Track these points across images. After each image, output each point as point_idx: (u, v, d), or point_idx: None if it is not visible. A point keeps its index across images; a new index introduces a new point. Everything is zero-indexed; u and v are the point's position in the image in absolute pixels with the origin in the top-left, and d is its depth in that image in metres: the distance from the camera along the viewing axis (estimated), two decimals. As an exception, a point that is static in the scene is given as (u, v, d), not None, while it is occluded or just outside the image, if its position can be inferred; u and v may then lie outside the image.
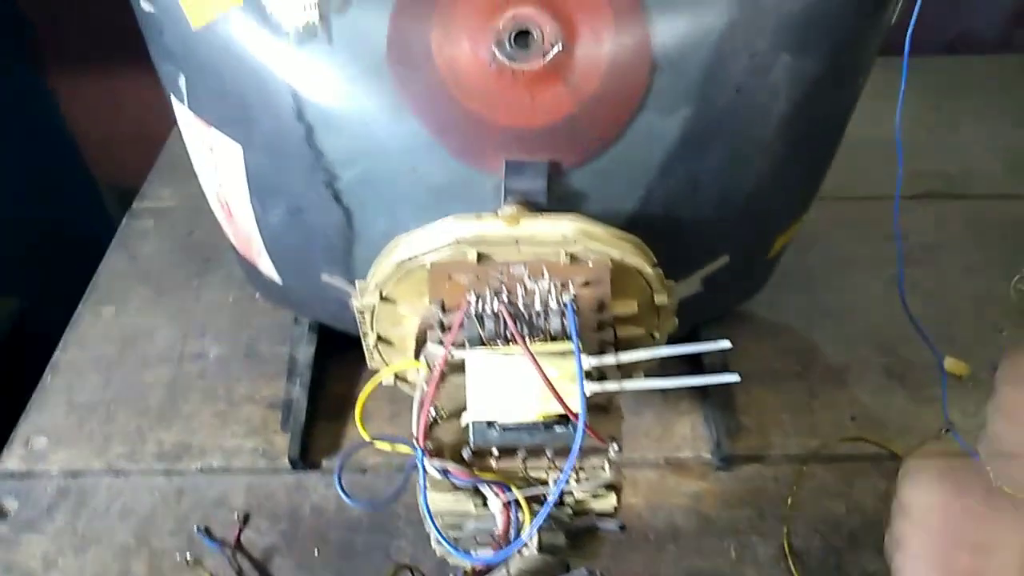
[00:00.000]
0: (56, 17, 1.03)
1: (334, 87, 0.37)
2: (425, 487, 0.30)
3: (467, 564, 0.30)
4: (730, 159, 0.39)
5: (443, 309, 0.33)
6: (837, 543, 0.53)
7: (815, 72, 0.39)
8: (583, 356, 0.30)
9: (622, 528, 0.33)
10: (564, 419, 0.31)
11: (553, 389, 0.29)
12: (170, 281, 0.70)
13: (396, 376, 0.43)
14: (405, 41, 0.35)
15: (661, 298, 0.39)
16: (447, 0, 0.35)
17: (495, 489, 0.31)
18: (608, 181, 0.38)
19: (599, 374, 0.32)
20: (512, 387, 0.30)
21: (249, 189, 0.42)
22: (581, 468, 0.32)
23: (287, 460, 0.56)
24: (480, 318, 0.31)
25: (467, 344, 0.32)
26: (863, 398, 0.61)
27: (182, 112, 0.42)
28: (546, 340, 0.32)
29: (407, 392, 0.44)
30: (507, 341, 0.31)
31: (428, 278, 0.35)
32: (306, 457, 0.56)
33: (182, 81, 0.40)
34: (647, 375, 0.33)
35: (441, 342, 0.33)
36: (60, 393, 0.61)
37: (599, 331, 0.34)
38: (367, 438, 0.32)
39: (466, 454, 0.31)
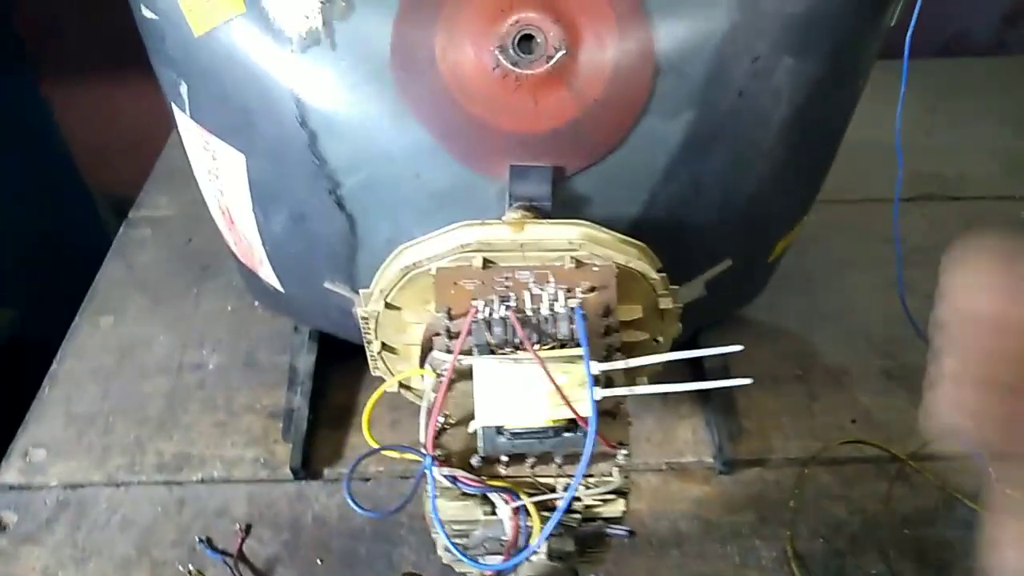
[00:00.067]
0: (50, 26, 1.03)
1: (337, 94, 0.36)
2: (434, 495, 0.30)
3: (477, 572, 0.29)
4: (733, 162, 0.39)
5: (449, 316, 0.33)
6: (840, 546, 0.53)
7: (816, 74, 0.39)
8: (591, 361, 0.30)
9: (631, 534, 0.33)
10: (573, 425, 0.31)
11: (563, 394, 0.29)
12: (168, 290, 0.70)
13: (400, 384, 0.43)
14: (408, 47, 0.35)
15: (666, 302, 0.39)
16: (450, 5, 0.35)
17: (504, 496, 0.31)
18: (612, 185, 0.38)
19: (606, 379, 0.32)
20: (520, 393, 0.30)
21: (251, 197, 0.42)
22: (590, 474, 0.32)
23: (288, 469, 0.55)
24: (488, 324, 0.31)
25: (475, 350, 0.31)
26: (863, 400, 0.62)
27: (183, 120, 0.42)
28: (554, 346, 0.32)
29: (411, 400, 0.44)
30: (515, 347, 0.31)
31: (434, 284, 0.35)
32: (308, 466, 0.56)
33: (184, 89, 0.40)
34: (651, 381, 0.33)
35: (448, 349, 0.32)
36: (58, 404, 0.61)
37: (606, 336, 0.34)
38: (375, 445, 0.32)
39: (475, 461, 0.31)
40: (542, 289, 0.34)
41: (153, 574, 0.51)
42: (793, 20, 0.37)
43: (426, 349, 0.37)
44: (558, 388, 0.29)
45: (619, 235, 0.36)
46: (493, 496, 0.31)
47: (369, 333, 0.40)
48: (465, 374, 0.32)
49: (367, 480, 0.56)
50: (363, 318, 0.39)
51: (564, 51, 0.35)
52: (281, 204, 0.41)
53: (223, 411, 0.60)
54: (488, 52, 0.35)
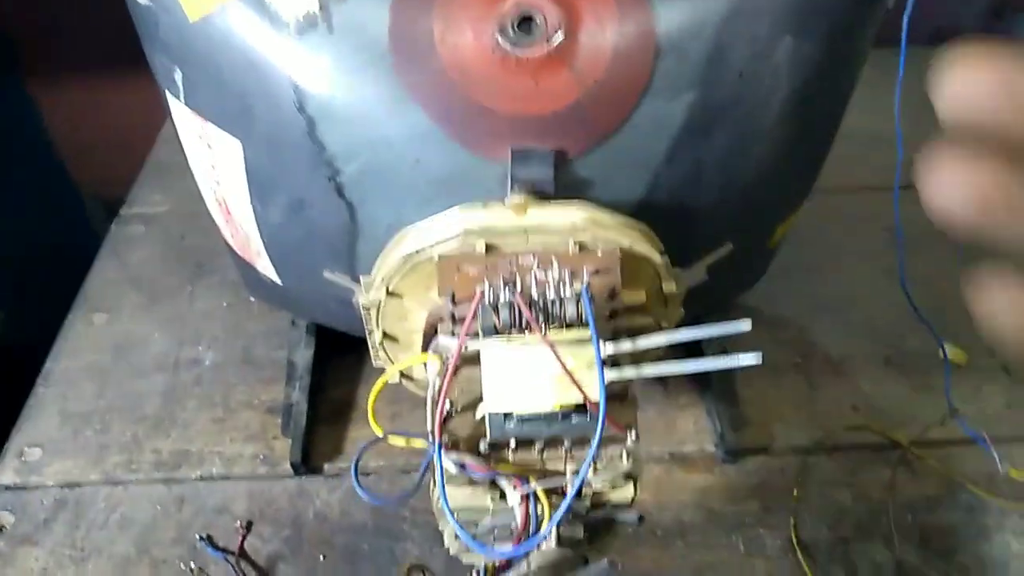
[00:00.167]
0: (35, 24, 1.02)
1: (336, 78, 0.36)
2: (443, 482, 0.30)
3: (488, 559, 0.29)
4: (735, 144, 0.39)
5: (454, 301, 0.33)
6: (844, 533, 0.53)
7: (816, 56, 0.39)
8: (601, 343, 0.29)
9: (641, 519, 0.32)
10: (581, 408, 0.30)
11: (572, 377, 0.28)
12: (162, 287, 0.69)
13: (402, 375, 0.43)
14: (407, 30, 0.35)
15: (669, 286, 0.38)
16: (449, -12, 0.34)
17: (513, 482, 0.30)
18: (614, 168, 0.37)
19: (613, 362, 0.31)
20: (528, 377, 0.30)
21: (249, 186, 0.41)
22: (599, 458, 0.31)
23: (288, 465, 0.55)
24: (495, 307, 0.31)
25: (481, 334, 0.31)
26: (864, 388, 0.61)
27: (178, 108, 0.41)
28: (560, 328, 0.31)
29: (412, 390, 0.44)
30: (522, 330, 0.31)
31: (436, 270, 0.34)
32: (308, 462, 0.55)
33: (178, 76, 0.39)
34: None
35: (453, 334, 0.32)
36: (53, 403, 0.60)
37: (612, 319, 0.33)
38: (379, 433, 0.32)
39: (483, 447, 0.31)
40: (546, 274, 0.33)
41: (154, 573, 0.50)
42: (792, 0, 0.37)
43: (429, 337, 0.36)
44: (567, 371, 0.29)
45: (623, 218, 0.36)
46: (502, 482, 0.31)
47: (370, 322, 0.39)
48: (470, 360, 0.32)
49: (368, 475, 0.55)
50: (364, 307, 0.38)
51: (564, 33, 0.34)
52: (279, 192, 0.41)
53: (221, 408, 0.59)
54: (487, 35, 0.35)
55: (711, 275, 0.45)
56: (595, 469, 0.31)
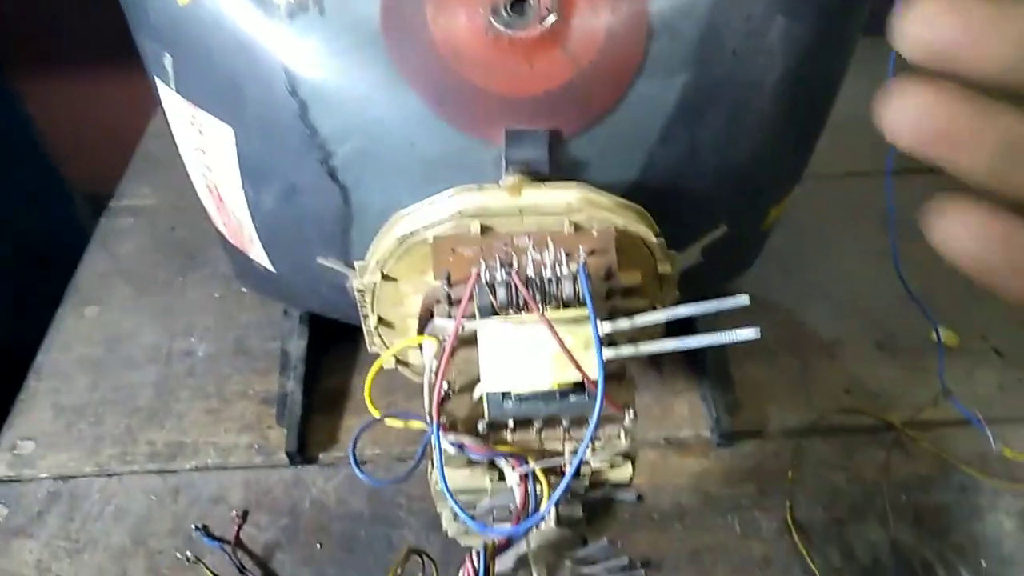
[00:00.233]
0: (18, 17, 1.01)
1: (327, 61, 0.36)
2: (442, 462, 0.29)
3: (488, 538, 0.29)
4: (728, 124, 0.39)
5: (449, 282, 0.33)
6: (839, 514, 0.53)
7: (808, 36, 0.39)
8: (598, 322, 0.29)
9: (639, 498, 0.32)
10: (579, 388, 0.30)
11: (570, 355, 0.28)
12: (153, 279, 0.68)
13: (397, 361, 0.43)
14: (398, 11, 0.35)
15: (665, 267, 0.38)
16: (441, -32, 0.34)
17: (512, 462, 0.30)
18: (609, 149, 0.37)
19: (610, 341, 0.31)
20: (526, 356, 0.30)
21: (241, 172, 0.41)
22: (597, 437, 0.31)
23: (284, 455, 0.55)
24: (491, 286, 0.31)
25: (478, 314, 0.31)
26: (856, 371, 0.62)
27: (168, 95, 0.41)
28: (557, 307, 0.31)
29: (407, 376, 0.44)
30: (519, 310, 0.31)
31: (431, 252, 0.34)
32: (303, 451, 0.55)
33: (168, 62, 0.39)
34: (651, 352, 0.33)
35: (450, 315, 0.32)
36: (45, 396, 0.59)
37: (608, 300, 0.33)
38: (377, 415, 0.32)
39: (481, 427, 0.31)
40: (542, 254, 0.33)
41: (150, 563, 0.50)
42: (785, -21, 0.37)
43: (424, 319, 0.36)
44: (565, 349, 0.29)
45: (617, 199, 0.36)
46: (500, 462, 0.31)
47: (365, 307, 0.39)
48: (467, 341, 0.31)
49: (364, 463, 0.55)
50: (359, 291, 0.38)
51: (557, 12, 0.34)
52: (271, 177, 0.40)
53: (215, 398, 0.59)
54: (480, 15, 0.35)
55: (705, 257, 0.45)
56: (593, 448, 0.31)
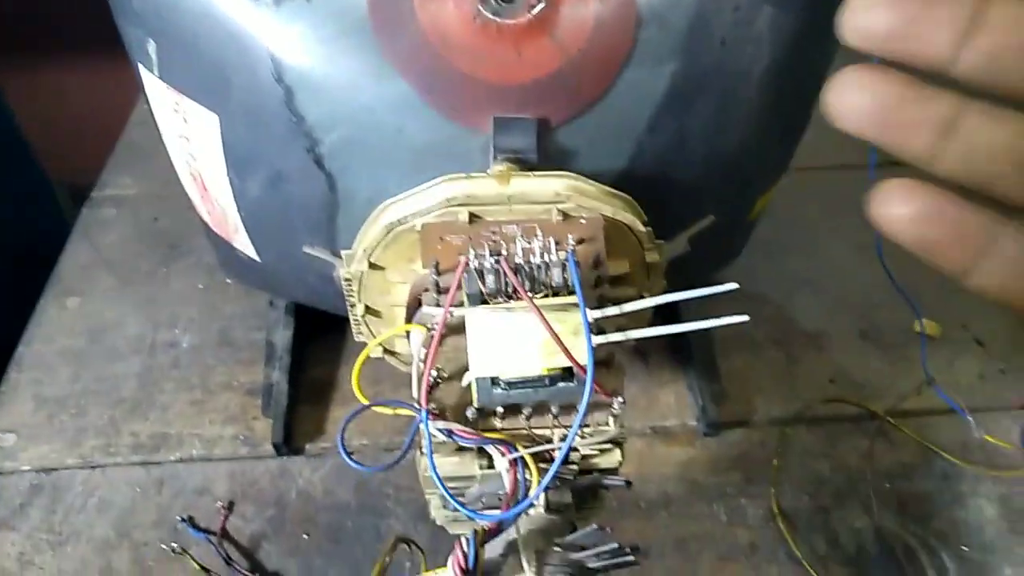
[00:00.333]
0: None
1: (314, 47, 0.35)
2: (431, 450, 0.29)
3: (478, 524, 0.29)
4: (717, 113, 0.39)
5: (437, 270, 0.33)
6: (823, 502, 0.54)
7: (795, 26, 0.39)
8: (587, 310, 0.29)
9: (628, 484, 0.32)
10: (568, 373, 0.30)
11: (559, 341, 0.28)
12: (136, 270, 0.68)
13: (385, 350, 0.43)
14: (387, -2, 0.34)
15: (652, 256, 0.39)
16: (429, -46, 0.34)
17: (501, 448, 0.30)
18: (597, 137, 0.37)
19: (598, 329, 0.31)
20: (515, 343, 0.30)
21: (226, 160, 0.40)
22: (586, 424, 0.31)
23: (270, 446, 0.54)
24: (480, 274, 0.30)
25: (466, 302, 0.31)
26: (840, 361, 0.62)
27: (151, 82, 0.41)
28: (546, 294, 0.31)
29: (394, 365, 0.44)
30: (508, 296, 0.31)
31: (420, 240, 0.34)
32: (289, 442, 0.55)
33: (152, 48, 0.39)
34: (638, 340, 0.33)
35: (438, 303, 0.32)
36: (26, 388, 0.59)
37: (597, 287, 0.33)
38: (365, 402, 0.31)
39: (470, 414, 0.30)
40: (530, 243, 0.33)
41: (134, 555, 0.49)
42: (772, -31, 0.37)
43: (412, 309, 0.36)
44: (554, 335, 0.29)
45: (606, 188, 0.36)
46: (490, 449, 0.31)
47: (352, 296, 0.39)
48: (455, 328, 0.31)
49: (352, 453, 0.54)
50: (346, 280, 0.38)
51: (546, 1, 0.34)
52: (257, 165, 0.40)
53: (199, 390, 0.59)
54: (468, 2, 0.34)
55: (693, 247, 0.45)
56: (582, 434, 0.31)
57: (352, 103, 0.36)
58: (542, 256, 0.31)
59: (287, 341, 0.58)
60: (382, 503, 0.52)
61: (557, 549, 0.30)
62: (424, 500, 0.36)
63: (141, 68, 0.41)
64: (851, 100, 0.18)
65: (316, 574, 0.49)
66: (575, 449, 0.31)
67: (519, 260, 0.32)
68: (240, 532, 0.51)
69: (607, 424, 0.32)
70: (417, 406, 0.30)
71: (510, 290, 0.31)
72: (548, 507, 0.31)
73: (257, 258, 0.46)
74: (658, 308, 0.32)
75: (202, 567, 0.48)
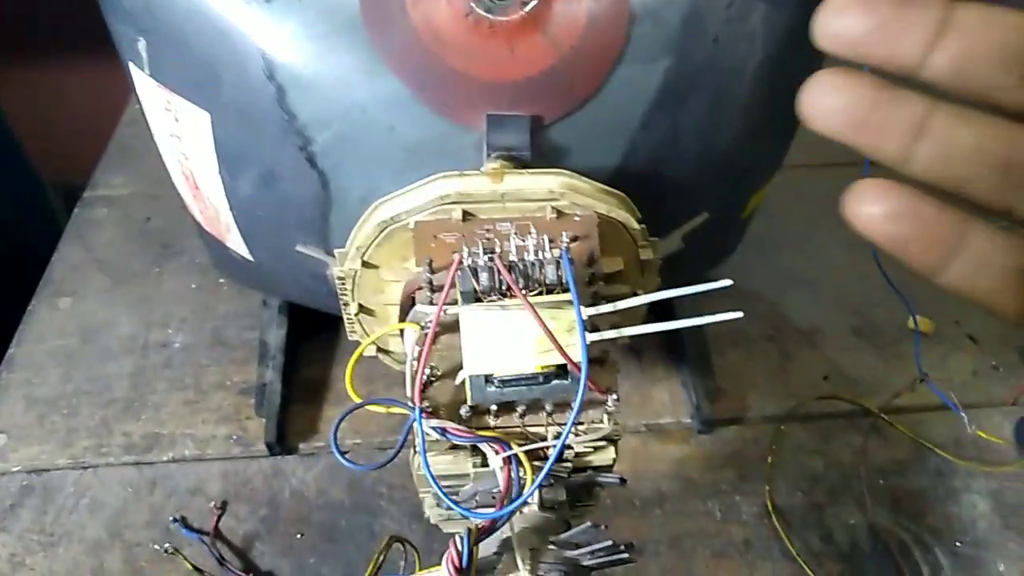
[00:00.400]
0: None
1: (305, 45, 0.35)
2: (424, 448, 0.29)
3: (472, 522, 0.29)
4: (710, 110, 0.39)
5: (431, 268, 0.33)
6: (818, 498, 0.54)
7: (788, 22, 0.39)
8: (581, 307, 0.29)
9: (623, 481, 0.32)
10: (562, 371, 0.30)
11: (553, 338, 0.28)
12: (129, 270, 0.67)
13: (378, 349, 0.42)
14: (379, -6, 0.34)
15: (646, 254, 0.38)
16: (421, -50, 0.34)
17: (494, 446, 0.30)
18: (591, 134, 0.37)
19: (592, 326, 0.31)
20: (509, 340, 0.30)
21: (217, 158, 0.40)
22: (580, 421, 0.31)
23: (263, 445, 0.54)
24: (474, 272, 0.30)
25: (460, 299, 0.31)
26: (834, 358, 0.63)
27: (142, 81, 0.40)
28: (540, 291, 0.31)
29: (388, 364, 0.44)
30: (502, 294, 0.31)
31: (413, 238, 0.34)
32: (282, 442, 0.55)
33: (142, 46, 0.38)
34: (632, 338, 0.32)
35: (432, 302, 0.32)
36: (17, 389, 0.58)
37: (591, 285, 0.33)
38: (358, 400, 0.31)
39: (463, 412, 0.30)
40: (524, 240, 0.33)
41: (126, 556, 0.49)
42: (764, -34, 0.37)
43: (406, 307, 0.36)
44: (548, 332, 0.28)
45: (599, 185, 0.36)
46: (483, 447, 0.30)
47: (346, 294, 0.39)
48: (449, 327, 0.31)
49: (345, 452, 0.54)
50: (339, 278, 0.38)
51: (539, -3, 0.34)
52: (249, 164, 0.40)
53: (192, 390, 0.58)
54: (461, -1, 0.34)
55: (687, 244, 0.45)
56: (576, 432, 0.31)
57: (344, 101, 0.36)
58: (536, 254, 0.31)
59: (280, 340, 0.58)
60: (376, 502, 0.52)
61: (551, 547, 0.30)
62: (418, 499, 0.36)
63: (132, 66, 0.41)
64: (825, 102, 0.19)
65: (310, 574, 0.49)
66: (569, 447, 0.31)
67: (513, 258, 0.32)
68: (233, 532, 0.50)
69: (601, 422, 0.31)
70: (411, 404, 0.30)
71: (504, 288, 0.30)
72: (542, 505, 0.31)
73: (250, 257, 0.46)
74: (652, 305, 0.32)
75: (195, 567, 0.48)
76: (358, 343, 0.41)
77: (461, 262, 0.31)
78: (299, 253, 0.42)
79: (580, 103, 0.36)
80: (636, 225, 0.37)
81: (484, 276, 0.30)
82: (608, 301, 0.31)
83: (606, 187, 0.36)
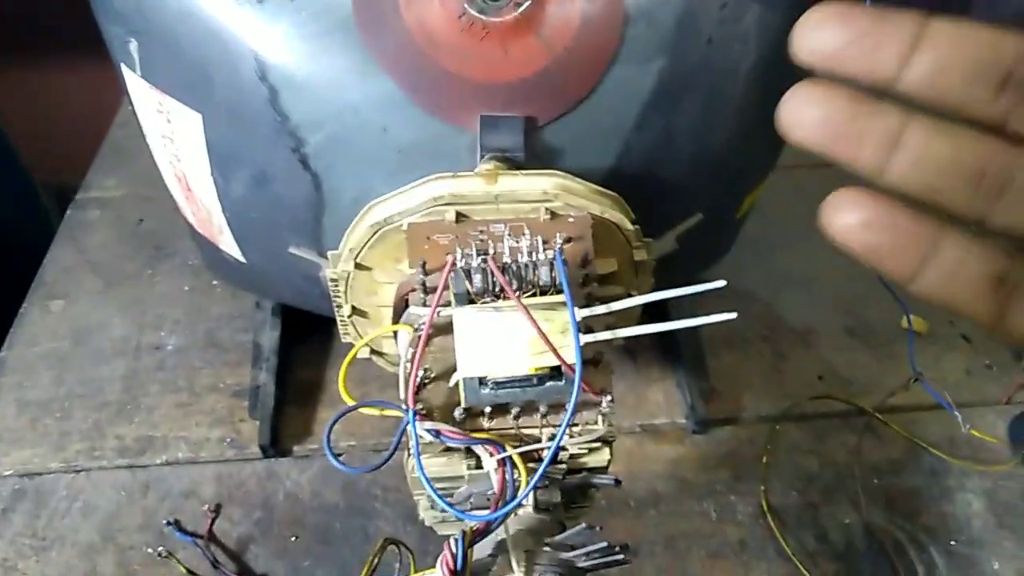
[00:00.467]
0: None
1: (298, 46, 0.35)
2: (418, 450, 0.29)
3: (466, 525, 0.29)
4: (704, 111, 0.39)
5: (425, 270, 0.32)
6: (813, 498, 0.54)
7: (782, 23, 0.39)
8: (575, 308, 0.29)
9: (617, 483, 0.32)
10: (556, 372, 0.30)
11: (547, 340, 0.28)
12: (121, 272, 0.67)
13: (372, 351, 0.42)
14: (371, -5, 0.34)
15: (640, 255, 0.38)
16: (414, -49, 0.34)
17: (489, 448, 0.30)
18: (585, 135, 0.37)
19: (586, 328, 0.31)
20: (503, 342, 0.30)
21: (210, 160, 0.40)
22: (575, 423, 0.31)
23: (257, 448, 0.54)
24: (467, 273, 0.30)
25: (453, 302, 0.31)
26: (828, 358, 0.63)
27: (134, 82, 0.40)
28: (534, 293, 0.31)
29: (381, 366, 0.43)
30: (496, 296, 0.30)
31: (406, 240, 0.34)
32: (276, 444, 0.55)
33: (134, 47, 0.38)
34: (626, 339, 0.32)
35: (425, 303, 0.32)
36: (9, 392, 0.58)
37: (585, 286, 0.33)
38: (351, 403, 0.31)
39: (457, 414, 0.30)
40: (518, 242, 0.33)
41: (120, 559, 0.49)
42: (757, -33, 0.37)
43: (399, 309, 0.36)
44: (542, 334, 0.28)
45: (593, 186, 0.36)
46: (477, 449, 0.30)
47: (339, 296, 0.39)
48: (443, 328, 0.31)
49: (339, 455, 0.54)
50: (332, 280, 0.38)
51: (532, -3, 0.34)
52: (241, 165, 0.40)
53: (185, 392, 0.58)
54: (454, 0, 0.34)
55: (681, 245, 0.45)
56: (571, 433, 0.31)
57: (337, 102, 0.36)
58: (529, 255, 0.31)
59: (274, 342, 0.58)
60: (370, 504, 0.52)
61: (546, 549, 0.30)
62: (412, 501, 0.36)
63: (123, 68, 0.40)
64: (803, 114, 0.19)
65: (304, 576, 0.49)
66: (564, 448, 0.31)
67: (506, 259, 0.31)
68: (227, 535, 0.50)
69: (596, 423, 0.31)
70: (404, 407, 0.30)
71: (497, 289, 0.30)
72: (537, 507, 0.31)
73: (243, 259, 0.46)
74: (647, 306, 0.32)
75: (189, 571, 0.48)
76: (352, 345, 0.41)
77: (455, 264, 0.30)
78: (292, 255, 0.42)
79: (574, 104, 0.36)
80: (630, 226, 0.37)
81: (478, 278, 0.30)
82: (602, 302, 0.31)
83: (600, 188, 0.36)
